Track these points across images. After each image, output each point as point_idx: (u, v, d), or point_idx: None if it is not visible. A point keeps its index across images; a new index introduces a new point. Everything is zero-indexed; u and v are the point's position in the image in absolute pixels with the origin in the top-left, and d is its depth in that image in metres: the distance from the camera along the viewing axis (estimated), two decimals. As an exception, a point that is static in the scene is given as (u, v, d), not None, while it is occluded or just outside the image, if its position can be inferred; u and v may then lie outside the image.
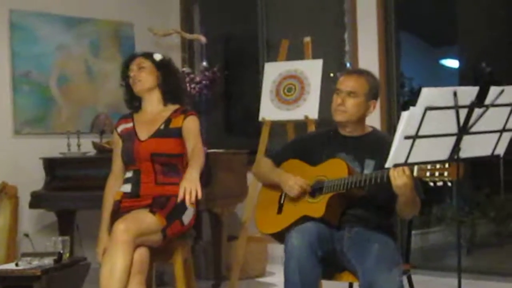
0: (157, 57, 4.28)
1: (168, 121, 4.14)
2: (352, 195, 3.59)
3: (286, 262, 3.45)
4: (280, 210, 3.86)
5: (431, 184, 3.19)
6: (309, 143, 3.93)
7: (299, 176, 3.76)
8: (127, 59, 4.35)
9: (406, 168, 3.26)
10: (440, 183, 3.16)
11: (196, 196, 3.69)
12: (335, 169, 3.65)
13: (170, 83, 4.24)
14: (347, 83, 3.74)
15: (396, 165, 3.17)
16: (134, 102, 4.29)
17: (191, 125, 4.12)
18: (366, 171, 3.64)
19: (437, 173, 3.14)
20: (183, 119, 4.13)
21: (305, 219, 3.64)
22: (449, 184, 3.15)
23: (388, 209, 3.63)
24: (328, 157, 3.75)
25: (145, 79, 4.18)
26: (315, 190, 3.71)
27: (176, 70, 4.40)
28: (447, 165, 3.13)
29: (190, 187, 3.70)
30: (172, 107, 4.22)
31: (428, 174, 3.16)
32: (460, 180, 3.19)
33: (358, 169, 3.67)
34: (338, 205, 3.64)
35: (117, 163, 4.22)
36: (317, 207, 3.63)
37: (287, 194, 3.83)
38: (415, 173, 3.22)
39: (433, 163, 3.15)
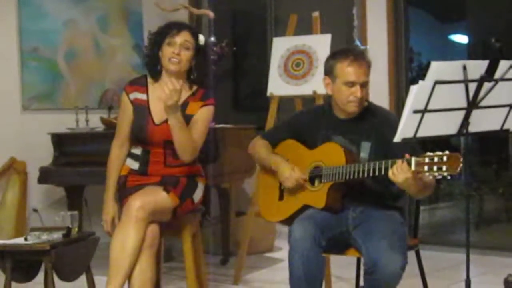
0: (201, 40, 4.00)
1: (185, 105, 3.93)
2: (353, 181, 3.51)
3: (290, 255, 3.43)
4: (281, 196, 3.85)
5: (430, 177, 3.15)
6: (304, 123, 3.83)
7: (295, 164, 3.72)
8: (173, 26, 3.98)
9: (405, 165, 3.19)
10: (439, 177, 3.10)
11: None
12: (332, 155, 3.59)
13: (201, 72, 4.03)
14: (360, 75, 3.54)
15: (404, 140, 3.15)
16: (157, 67, 3.99)
17: (202, 116, 3.95)
18: (362, 154, 3.59)
19: (435, 167, 3.07)
20: (199, 108, 3.96)
21: (307, 207, 3.64)
22: (448, 178, 3.09)
23: (392, 186, 3.58)
24: (323, 140, 3.69)
25: (185, 61, 3.91)
26: (314, 177, 3.67)
27: (209, 57, 4.18)
28: (445, 158, 3.05)
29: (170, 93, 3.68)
30: (192, 87, 4.03)
31: (426, 168, 3.10)
32: (459, 173, 3.09)
33: (355, 153, 3.60)
34: (339, 192, 3.60)
35: (124, 129, 4.02)
36: (318, 196, 3.61)
37: None
38: (412, 167, 3.16)
39: (442, 137, 3.13)
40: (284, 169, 3.74)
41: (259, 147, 3.98)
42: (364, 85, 3.57)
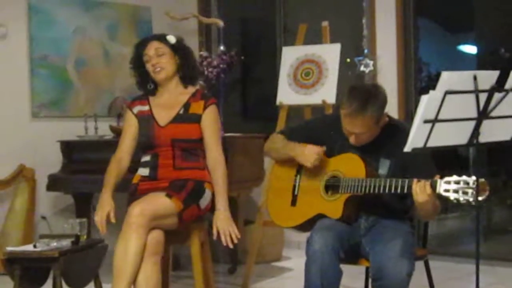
0: (172, 39, 4.09)
1: (187, 105, 4.05)
2: (371, 195, 3.48)
3: (307, 266, 3.39)
4: (294, 202, 3.81)
5: (454, 201, 3.13)
6: (322, 131, 3.77)
7: (311, 171, 3.69)
8: (140, 43, 4.16)
9: (428, 186, 3.19)
10: (463, 202, 3.10)
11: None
12: (352, 167, 3.54)
13: (189, 66, 4.11)
14: (354, 128, 3.47)
15: (414, 149, 3.14)
16: (148, 85, 4.13)
17: (210, 117, 4.03)
18: (381, 171, 3.55)
19: (460, 192, 3.09)
20: (203, 107, 4.03)
21: (320, 216, 3.61)
22: (473, 203, 3.10)
23: (405, 197, 3.55)
24: (340, 150, 3.64)
25: (168, 66, 4.04)
26: (331, 186, 3.64)
27: (190, 50, 4.22)
28: (471, 183, 3.07)
29: (224, 228, 3.83)
30: (190, 90, 4.11)
31: (451, 191, 3.11)
32: (485, 200, 3.14)
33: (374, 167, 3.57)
34: (356, 204, 3.58)
35: (125, 142, 4.10)
36: (334, 207, 3.57)
37: (300, 184, 3.78)
38: (437, 190, 3.16)
39: (452, 147, 3.12)
40: (303, 148, 3.69)
41: (277, 139, 3.93)
42: (362, 134, 3.50)
